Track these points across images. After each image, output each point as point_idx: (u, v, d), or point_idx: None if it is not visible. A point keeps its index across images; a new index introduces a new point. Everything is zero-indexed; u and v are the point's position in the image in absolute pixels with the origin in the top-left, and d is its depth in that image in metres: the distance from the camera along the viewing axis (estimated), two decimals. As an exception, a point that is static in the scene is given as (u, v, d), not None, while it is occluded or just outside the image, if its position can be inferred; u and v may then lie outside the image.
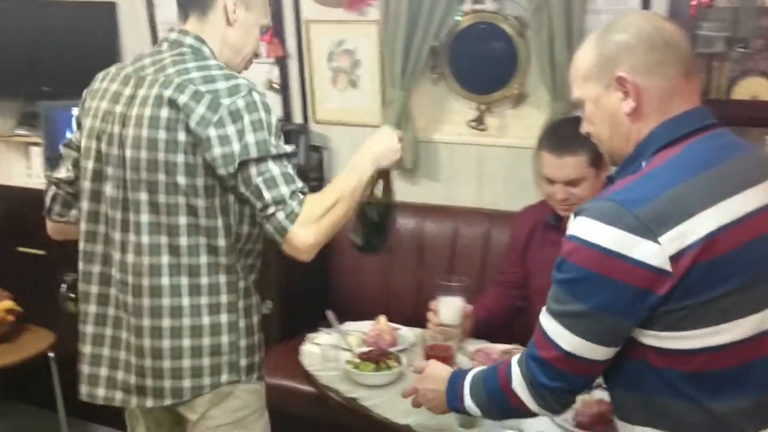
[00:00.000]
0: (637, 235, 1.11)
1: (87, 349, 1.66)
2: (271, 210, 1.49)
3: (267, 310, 2.72)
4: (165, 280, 1.55)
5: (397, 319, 2.33)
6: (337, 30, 2.93)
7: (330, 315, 2.25)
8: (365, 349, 2.09)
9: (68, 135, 1.79)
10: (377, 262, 2.85)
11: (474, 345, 2.14)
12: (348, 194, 1.59)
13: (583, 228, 1.16)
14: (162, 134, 1.51)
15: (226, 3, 1.60)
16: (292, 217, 1.49)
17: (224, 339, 1.59)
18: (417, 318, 2.28)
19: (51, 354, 2.83)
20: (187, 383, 1.57)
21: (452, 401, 1.47)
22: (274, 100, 3.09)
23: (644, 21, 1.26)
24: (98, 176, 1.60)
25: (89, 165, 1.62)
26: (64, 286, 2.96)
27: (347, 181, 1.61)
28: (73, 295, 2.96)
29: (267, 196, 1.49)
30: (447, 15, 2.72)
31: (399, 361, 2.02)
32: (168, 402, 1.59)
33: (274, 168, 1.50)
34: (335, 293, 2.91)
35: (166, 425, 1.72)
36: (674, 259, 1.11)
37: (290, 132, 2.93)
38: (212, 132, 1.49)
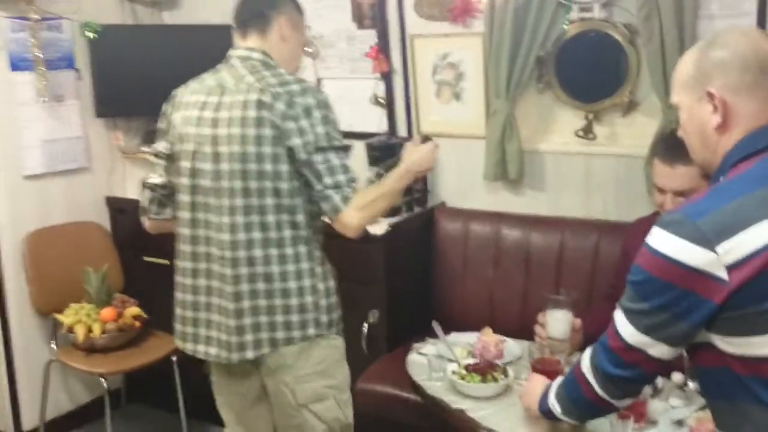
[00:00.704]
0: (695, 244, 1.18)
1: (188, 313, 2.00)
2: (329, 192, 1.85)
3: (374, 319, 2.79)
4: (258, 252, 1.87)
5: (502, 331, 2.32)
6: (441, 43, 2.96)
7: (436, 326, 2.27)
8: (472, 360, 2.10)
9: (155, 146, 2.10)
10: (483, 273, 2.85)
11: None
12: (389, 195, 1.98)
13: (653, 236, 1.26)
14: (252, 131, 1.84)
15: (281, 24, 1.97)
16: (345, 200, 1.85)
17: (308, 299, 1.91)
18: (523, 330, 2.26)
19: (174, 358, 3.00)
20: (280, 334, 1.90)
21: (542, 404, 1.60)
22: (380, 114, 3.16)
23: (744, 41, 1.29)
24: (194, 172, 1.92)
25: (186, 164, 1.94)
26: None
27: (390, 184, 1.99)
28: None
29: (328, 180, 1.85)
30: (553, 24, 2.70)
31: (506, 374, 2.01)
32: (265, 350, 1.90)
33: (334, 158, 1.86)
34: (440, 304, 2.93)
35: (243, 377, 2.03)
36: (730, 268, 1.17)
37: (395, 145, 2.98)
38: (291, 125, 1.83)
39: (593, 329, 2.16)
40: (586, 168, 2.80)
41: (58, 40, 3.17)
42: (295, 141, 1.83)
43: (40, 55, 3.05)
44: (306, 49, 2.18)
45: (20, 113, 3.07)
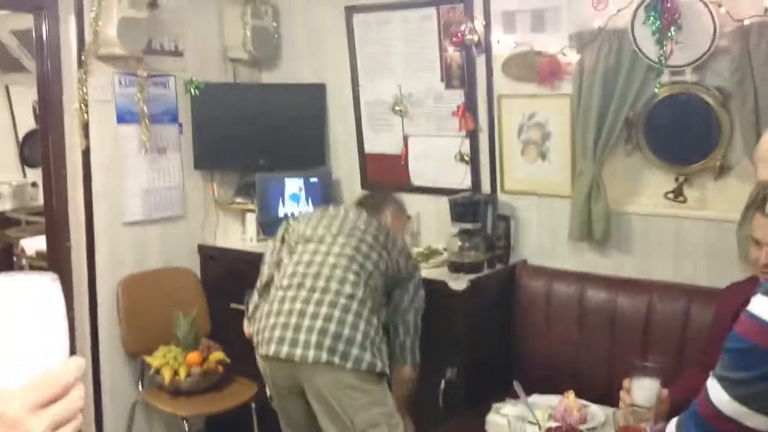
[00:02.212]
0: None
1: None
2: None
3: (451, 375, 2.77)
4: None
5: (586, 396, 2.26)
6: (528, 104, 3.00)
7: (517, 386, 2.23)
8: (553, 424, 2.06)
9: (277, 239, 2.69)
10: (566, 334, 2.79)
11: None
12: None
13: (756, 303, 1.22)
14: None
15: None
16: None
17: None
18: (607, 396, 2.20)
19: (253, 405, 3.05)
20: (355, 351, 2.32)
21: None
22: (464, 171, 3.20)
23: None
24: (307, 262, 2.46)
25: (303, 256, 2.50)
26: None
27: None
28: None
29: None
30: (643, 86, 2.69)
31: (588, 439, 1.96)
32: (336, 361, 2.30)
33: None
34: (521, 364, 2.88)
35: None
36: None
37: (478, 202, 3.01)
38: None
39: (681, 396, 2.07)
40: (675, 231, 2.74)
41: (164, 96, 3.39)
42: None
43: (146, 109, 3.26)
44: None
45: (125, 163, 3.27)
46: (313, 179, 3.50)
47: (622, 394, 2.03)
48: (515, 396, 2.25)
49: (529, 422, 2.10)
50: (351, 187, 3.58)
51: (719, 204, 2.64)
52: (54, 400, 0.69)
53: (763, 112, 2.39)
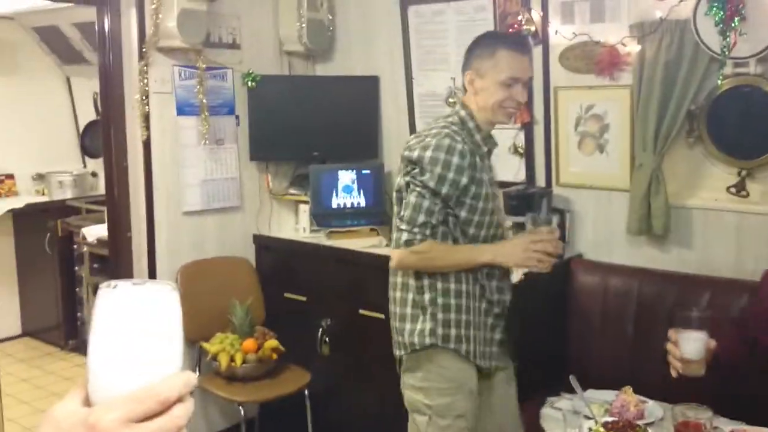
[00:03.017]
0: None
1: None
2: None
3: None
4: None
5: (642, 392, 2.23)
6: (586, 95, 2.96)
7: (573, 380, 2.22)
8: (610, 419, 2.04)
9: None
10: (622, 330, 2.76)
11: (728, 425, 1.99)
12: (448, 262, 2.13)
13: None
14: None
15: (465, 82, 2.19)
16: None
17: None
18: (664, 393, 2.16)
19: (306, 392, 3.10)
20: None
21: None
22: (518, 164, 3.18)
23: None
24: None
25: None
26: (320, 330, 3.25)
27: (466, 254, 2.15)
28: (327, 339, 3.24)
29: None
30: (706, 79, 2.63)
31: (646, 435, 1.94)
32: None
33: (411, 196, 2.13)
34: (576, 358, 2.85)
35: None
36: None
37: (533, 194, 2.98)
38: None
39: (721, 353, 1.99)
40: (737, 226, 2.67)
41: (222, 88, 3.44)
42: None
43: (205, 101, 3.32)
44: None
45: (184, 154, 3.34)
46: (366, 171, 3.52)
47: (670, 347, 1.97)
48: (570, 390, 2.24)
49: (585, 417, 2.08)
50: (404, 178, 3.59)
51: (783, 199, 2.58)
52: (152, 415, 0.66)
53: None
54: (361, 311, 3.13)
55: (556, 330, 2.92)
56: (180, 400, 0.68)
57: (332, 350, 3.25)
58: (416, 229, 2.05)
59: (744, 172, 2.65)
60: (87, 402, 0.68)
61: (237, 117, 3.51)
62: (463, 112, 2.18)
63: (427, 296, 2.14)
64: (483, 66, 2.14)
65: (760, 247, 2.63)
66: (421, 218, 2.06)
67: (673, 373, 1.89)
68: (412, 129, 3.49)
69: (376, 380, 3.08)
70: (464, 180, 2.08)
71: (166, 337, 0.68)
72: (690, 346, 1.90)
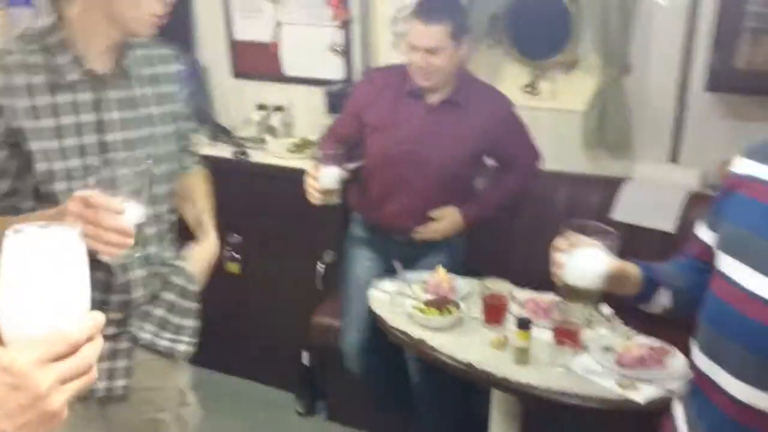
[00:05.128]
0: None
1: None
2: None
3: (329, 259, 2.96)
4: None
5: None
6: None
7: (397, 265, 2.43)
8: (430, 296, 2.29)
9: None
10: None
11: (524, 294, 2.33)
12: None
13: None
14: None
15: None
16: None
17: None
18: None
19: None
20: None
21: None
22: (337, 63, 3.26)
23: None
24: None
25: None
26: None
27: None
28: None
29: None
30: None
31: (458, 307, 2.22)
32: None
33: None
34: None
35: None
36: None
37: (348, 95, 3.09)
38: None
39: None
40: (531, 121, 2.98)
41: None
42: None
43: None
44: None
45: None
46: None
47: (310, 180, 2.30)
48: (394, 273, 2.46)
49: (408, 296, 2.32)
50: (219, 75, 3.54)
51: (567, 96, 2.93)
52: (64, 356, 0.70)
53: (611, 8, 2.63)
54: None
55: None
56: (90, 339, 0.72)
57: None
58: None
59: (537, 72, 2.96)
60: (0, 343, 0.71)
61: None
62: None
63: None
64: None
65: (549, 140, 2.98)
66: None
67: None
68: (228, 22, 3.40)
69: None
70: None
71: (72, 278, 0.71)
72: (326, 178, 2.23)
